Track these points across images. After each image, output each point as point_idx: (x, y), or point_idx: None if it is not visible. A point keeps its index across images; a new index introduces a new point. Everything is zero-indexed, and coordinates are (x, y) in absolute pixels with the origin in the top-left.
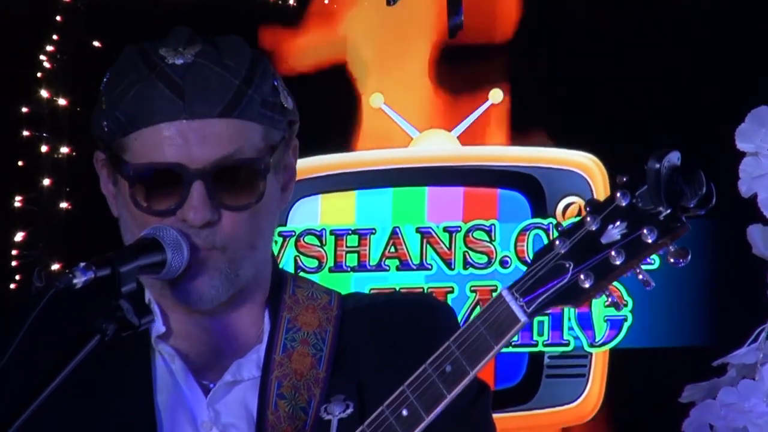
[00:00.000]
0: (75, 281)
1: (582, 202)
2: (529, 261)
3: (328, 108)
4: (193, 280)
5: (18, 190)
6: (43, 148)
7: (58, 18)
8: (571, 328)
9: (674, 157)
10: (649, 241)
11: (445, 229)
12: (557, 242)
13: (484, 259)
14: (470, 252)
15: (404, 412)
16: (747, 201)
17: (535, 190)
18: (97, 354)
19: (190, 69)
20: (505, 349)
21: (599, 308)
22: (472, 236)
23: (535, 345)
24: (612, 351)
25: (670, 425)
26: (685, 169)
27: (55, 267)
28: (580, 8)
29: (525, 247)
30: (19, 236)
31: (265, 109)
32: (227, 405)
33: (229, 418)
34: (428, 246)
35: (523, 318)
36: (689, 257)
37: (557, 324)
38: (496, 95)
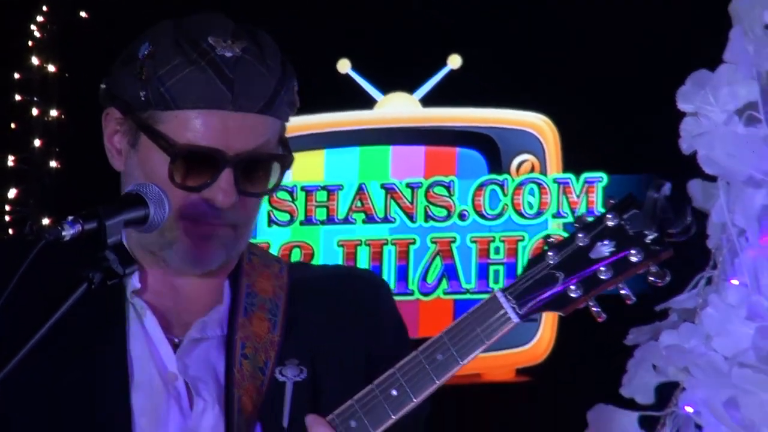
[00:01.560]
0: (63, 233)
1: (534, 159)
2: (485, 214)
3: (299, 72)
4: (199, 248)
5: (11, 151)
6: (34, 112)
7: None
8: None
9: (668, 189)
10: (635, 260)
11: (408, 185)
12: (549, 253)
13: (444, 212)
14: (431, 206)
15: (393, 392)
16: (688, 158)
17: (491, 148)
18: (77, 304)
19: (239, 63)
20: (462, 296)
21: None
22: (433, 191)
23: (490, 292)
24: None
25: (616, 365)
26: (675, 200)
27: (46, 221)
28: None
29: (482, 202)
30: (12, 193)
31: (288, 109)
32: (194, 360)
33: (196, 372)
34: (392, 201)
35: (515, 319)
36: (668, 278)
37: (511, 273)
38: (455, 60)
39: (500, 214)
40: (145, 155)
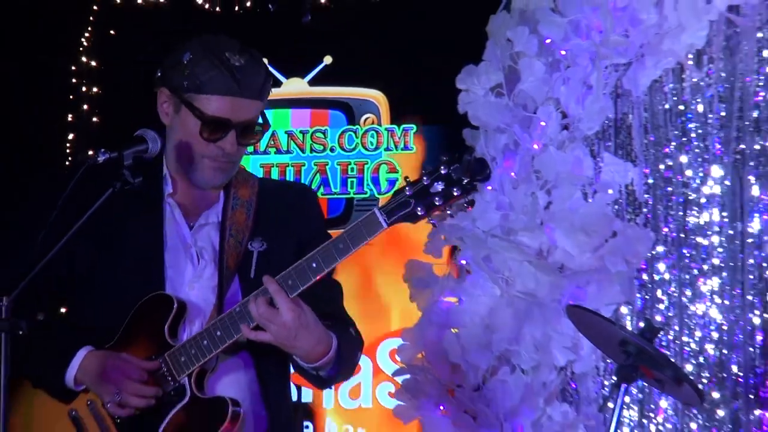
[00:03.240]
0: (99, 159)
1: (374, 116)
2: (345, 148)
3: None
4: (213, 174)
5: (69, 111)
6: (84, 89)
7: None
8: (368, 184)
9: (476, 154)
10: (456, 194)
11: (300, 131)
12: (407, 188)
13: (321, 147)
14: (314, 144)
15: (314, 265)
16: (463, 115)
17: (349, 110)
18: (133, 202)
19: (242, 68)
20: (332, 196)
21: (383, 174)
22: (315, 135)
23: (348, 193)
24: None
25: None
26: (480, 160)
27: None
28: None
29: (343, 141)
30: (70, 137)
31: (267, 95)
32: (201, 236)
33: (201, 243)
34: (291, 141)
35: (384, 225)
36: (472, 202)
37: (360, 183)
38: (328, 59)
39: (353, 149)
40: (184, 119)
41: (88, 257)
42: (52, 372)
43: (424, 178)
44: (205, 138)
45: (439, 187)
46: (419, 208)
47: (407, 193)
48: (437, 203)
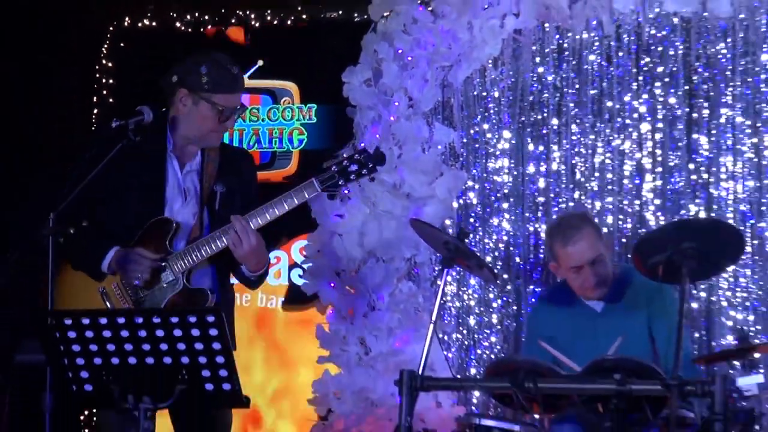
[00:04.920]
0: (113, 125)
1: (289, 99)
2: (272, 119)
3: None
4: (215, 139)
5: (95, 109)
6: (104, 80)
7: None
8: (285, 142)
9: (378, 149)
10: (364, 173)
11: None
12: (333, 167)
13: (256, 119)
14: (251, 117)
15: (270, 210)
16: (347, 98)
17: (274, 95)
18: (148, 154)
19: (237, 75)
20: (263, 150)
21: (295, 136)
22: (252, 111)
23: (272, 148)
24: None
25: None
26: (380, 152)
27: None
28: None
29: (270, 115)
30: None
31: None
32: (188, 179)
33: (188, 185)
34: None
35: (319, 189)
36: (373, 173)
37: (280, 143)
38: (261, 62)
39: (276, 119)
40: (202, 109)
41: (117, 186)
42: (93, 261)
43: (345, 161)
44: (221, 121)
45: (353, 168)
46: (341, 181)
47: (333, 170)
48: (352, 178)
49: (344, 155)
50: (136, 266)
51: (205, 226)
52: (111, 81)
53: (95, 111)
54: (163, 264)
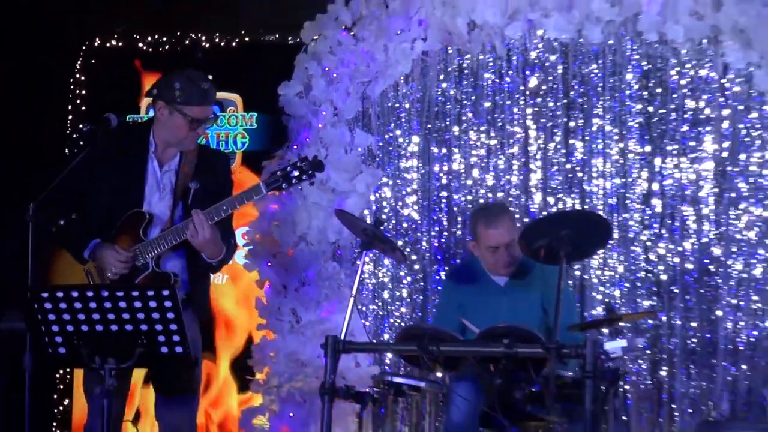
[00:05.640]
0: (84, 129)
1: (234, 108)
2: (219, 125)
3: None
4: (189, 144)
5: (69, 115)
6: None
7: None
8: (231, 143)
9: (314, 157)
10: (304, 179)
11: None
12: (277, 172)
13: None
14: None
15: (224, 208)
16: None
17: (221, 104)
18: (131, 155)
19: (207, 90)
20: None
21: (239, 139)
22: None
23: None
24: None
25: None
26: (319, 161)
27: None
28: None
29: (218, 122)
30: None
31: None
32: (165, 177)
33: (165, 182)
34: None
35: (265, 191)
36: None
37: (226, 143)
38: (210, 77)
39: (223, 125)
40: (176, 119)
41: (102, 183)
42: (77, 250)
43: (288, 167)
44: (191, 129)
45: (295, 173)
46: (284, 184)
47: (278, 174)
48: (293, 183)
49: (289, 161)
50: (112, 261)
51: (177, 217)
52: (83, 92)
53: (70, 117)
54: (136, 252)
